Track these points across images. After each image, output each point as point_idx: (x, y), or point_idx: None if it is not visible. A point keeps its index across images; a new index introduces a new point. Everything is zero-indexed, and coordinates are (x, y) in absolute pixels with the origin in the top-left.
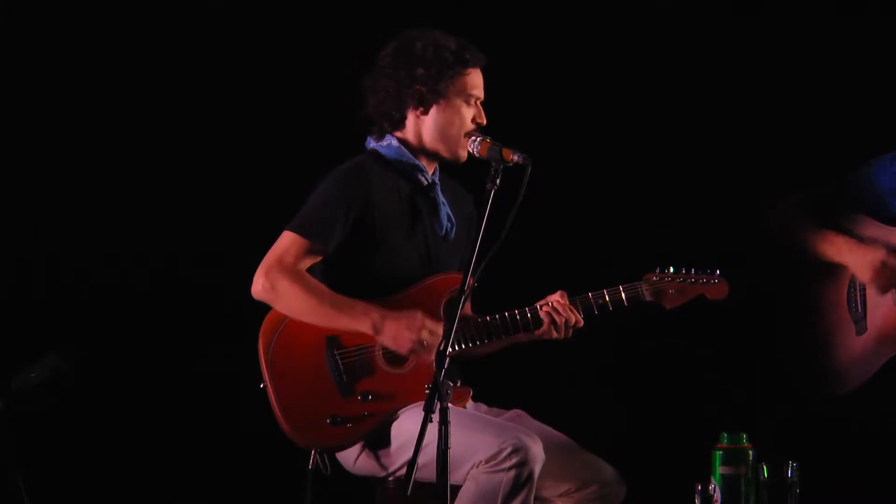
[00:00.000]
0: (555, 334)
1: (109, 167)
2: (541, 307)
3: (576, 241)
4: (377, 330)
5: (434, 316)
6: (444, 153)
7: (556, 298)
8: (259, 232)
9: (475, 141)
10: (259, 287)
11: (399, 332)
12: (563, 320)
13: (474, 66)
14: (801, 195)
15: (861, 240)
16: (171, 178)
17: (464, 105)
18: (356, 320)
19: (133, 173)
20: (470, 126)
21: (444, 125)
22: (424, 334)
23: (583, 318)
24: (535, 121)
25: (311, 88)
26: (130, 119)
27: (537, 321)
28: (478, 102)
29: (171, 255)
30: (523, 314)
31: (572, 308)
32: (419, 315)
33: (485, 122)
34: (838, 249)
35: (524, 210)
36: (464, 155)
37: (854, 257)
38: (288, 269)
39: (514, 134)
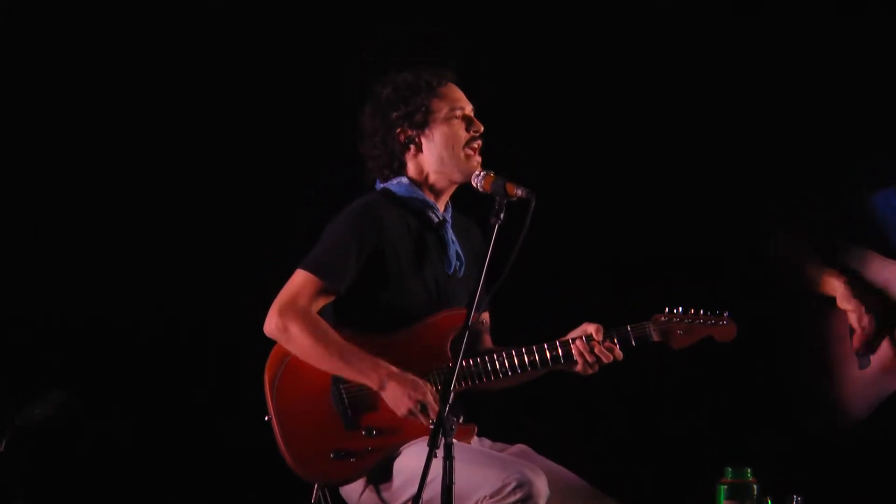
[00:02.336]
0: (588, 370)
1: (113, 204)
2: (573, 341)
3: (584, 278)
4: (381, 387)
5: (441, 353)
6: (456, 175)
7: (591, 332)
8: (265, 265)
9: (479, 175)
10: (272, 326)
11: (400, 396)
12: (595, 359)
13: (440, 84)
14: (801, 224)
15: (858, 288)
16: (175, 212)
17: (450, 122)
18: (363, 374)
19: (138, 210)
20: (465, 136)
21: (440, 150)
22: (418, 408)
23: (619, 350)
24: (542, 155)
25: (320, 121)
26: (138, 152)
27: (568, 355)
28: (465, 114)
29: (176, 287)
30: (553, 347)
31: (603, 346)
32: (426, 388)
33: (481, 128)
34: (837, 296)
35: (531, 246)
36: (475, 165)
37: (845, 286)
38: (301, 312)
39: (521, 167)
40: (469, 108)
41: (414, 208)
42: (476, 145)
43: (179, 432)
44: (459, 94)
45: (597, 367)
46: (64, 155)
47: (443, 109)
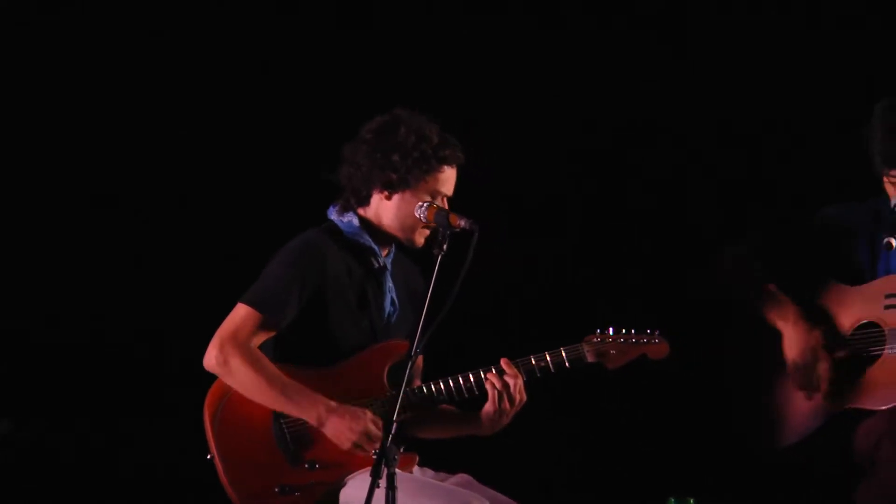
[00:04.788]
0: (505, 404)
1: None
2: (484, 374)
3: (516, 302)
4: (321, 423)
5: (379, 382)
6: (400, 237)
7: (501, 365)
8: (207, 299)
9: (422, 206)
10: (212, 360)
11: (341, 430)
12: (503, 384)
13: (451, 164)
14: (749, 242)
15: (802, 314)
16: (123, 241)
17: (428, 199)
18: (302, 409)
19: (87, 237)
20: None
21: (404, 215)
22: (363, 439)
23: (525, 380)
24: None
25: (266, 156)
26: (85, 175)
27: (480, 385)
28: (444, 199)
29: (119, 324)
30: (466, 378)
31: (515, 374)
32: (366, 416)
33: None
34: (783, 317)
35: (468, 275)
36: (420, 242)
37: (791, 334)
38: (242, 346)
39: (461, 197)
40: (450, 196)
41: (357, 250)
42: (430, 230)
43: (127, 468)
44: (453, 180)
45: (507, 404)
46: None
47: (433, 186)
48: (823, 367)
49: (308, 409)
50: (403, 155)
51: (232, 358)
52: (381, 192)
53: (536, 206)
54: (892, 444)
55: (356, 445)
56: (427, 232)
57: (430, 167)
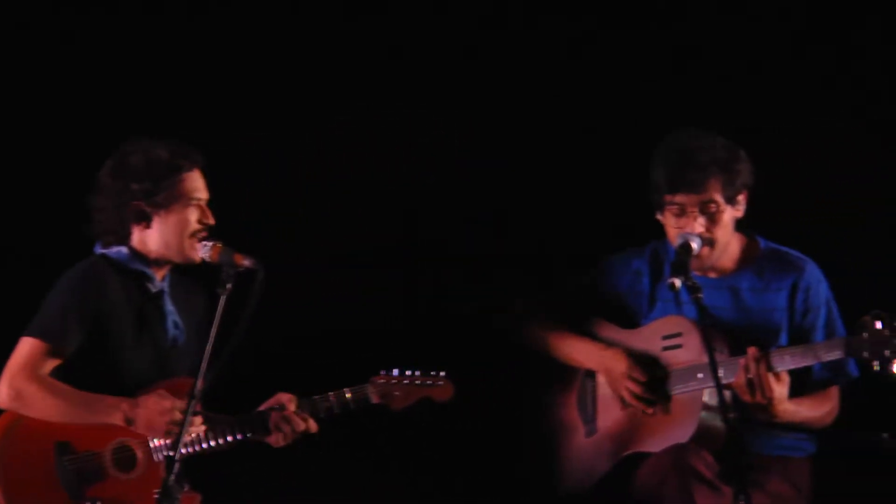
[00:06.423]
0: (281, 441)
1: None
2: (269, 413)
3: (305, 340)
4: (129, 421)
5: None
6: (176, 259)
7: (284, 402)
8: None
9: (206, 246)
10: (4, 396)
11: (152, 417)
12: (289, 428)
13: (189, 169)
14: (537, 297)
15: (606, 344)
16: None
17: (185, 210)
18: (107, 414)
19: None
20: (195, 227)
21: (168, 234)
22: (176, 414)
23: (313, 421)
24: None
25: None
26: None
27: (265, 423)
28: (201, 203)
29: None
30: (257, 415)
31: (300, 416)
32: (167, 396)
33: (212, 221)
34: (584, 355)
35: (256, 311)
36: (196, 256)
37: (600, 362)
38: (32, 375)
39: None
40: (205, 198)
41: (132, 276)
42: (202, 236)
43: None
44: (201, 183)
45: (290, 438)
46: None
47: (183, 195)
48: (642, 379)
49: (113, 412)
50: (140, 180)
51: (26, 388)
52: (139, 223)
53: (334, 242)
54: (678, 479)
55: (173, 423)
56: (200, 245)
57: (170, 181)
